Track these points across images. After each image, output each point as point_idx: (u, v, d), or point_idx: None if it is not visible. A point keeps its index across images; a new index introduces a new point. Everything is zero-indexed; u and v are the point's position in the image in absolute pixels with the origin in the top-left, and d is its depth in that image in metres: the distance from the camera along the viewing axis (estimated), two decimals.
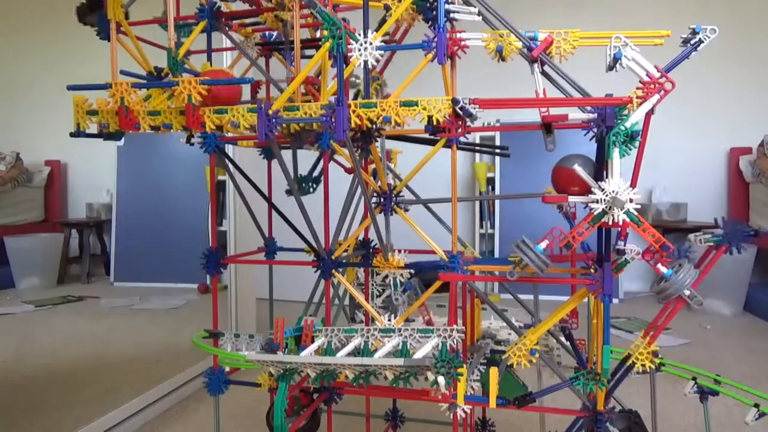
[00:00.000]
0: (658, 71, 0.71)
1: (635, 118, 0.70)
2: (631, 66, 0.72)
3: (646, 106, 0.70)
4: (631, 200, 0.69)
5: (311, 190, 1.08)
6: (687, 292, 0.71)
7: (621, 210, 0.69)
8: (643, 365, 0.81)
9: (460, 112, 0.74)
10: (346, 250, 0.99)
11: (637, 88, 0.72)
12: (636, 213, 0.70)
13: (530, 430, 1.53)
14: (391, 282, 0.97)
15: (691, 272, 0.72)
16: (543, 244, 0.71)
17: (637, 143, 0.70)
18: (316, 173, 1.10)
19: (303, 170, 1.09)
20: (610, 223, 0.70)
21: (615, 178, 0.69)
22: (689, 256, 0.76)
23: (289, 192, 0.97)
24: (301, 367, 0.82)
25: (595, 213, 0.70)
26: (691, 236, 0.79)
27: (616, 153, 0.69)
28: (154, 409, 1.66)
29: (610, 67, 0.74)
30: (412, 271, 0.96)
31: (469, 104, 0.74)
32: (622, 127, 0.69)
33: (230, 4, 0.99)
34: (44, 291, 3.42)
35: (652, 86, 0.71)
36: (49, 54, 4.03)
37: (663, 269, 0.72)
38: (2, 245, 3.41)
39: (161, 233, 3.59)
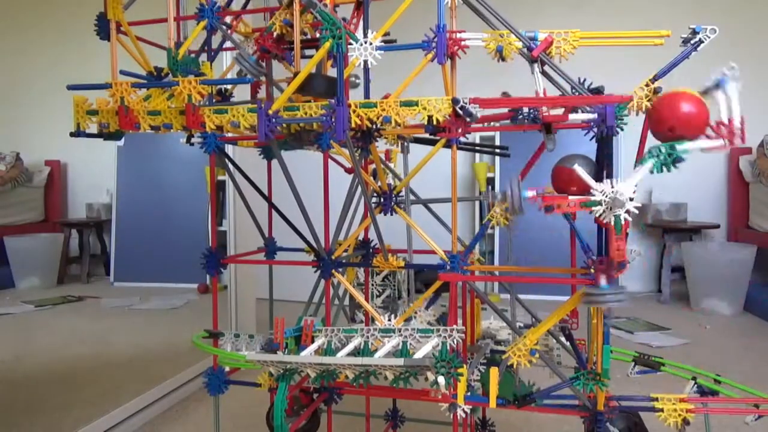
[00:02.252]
0: (741, 124, 0.67)
1: (691, 147, 0.66)
2: (721, 101, 0.68)
3: (705, 144, 0.67)
4: (631, 199, 0.68)
5: None
6: (605, 307, 0.69)
7: (622, 210, 0.69)
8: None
9: (461, 112, 0.74)
10: (346, 250, 0.99)
11: (710, 126, 0.68)
12: (624, 220, 0.67)
13: (530, 430, 1.53)
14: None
15: (620, 302, 0.69)
16: (530, 193, 0.70)
17: (672, 169, 0.67)
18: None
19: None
20: (605, 221, 0.69)
21: (630, 182, 0.67)
22: None
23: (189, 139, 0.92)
24: (301, 367, 0.82)
25: (593, 199, 0.68)
26: None
27: (648, 164, 0.66)
28: (154, 409, 1.66)
29: (706, 90, 0.69)
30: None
31: (469, 104, 0.74)
32: (671, 150, 0.65)
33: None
34: (44, 291, 3.42)
35: (724, 131, 0.67)
36: (49, 54, 4.03)
37: (603, 281, 0.70)
38: (2, 245, 3.41)
39: (161, 233, 3.59)
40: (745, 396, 0.89)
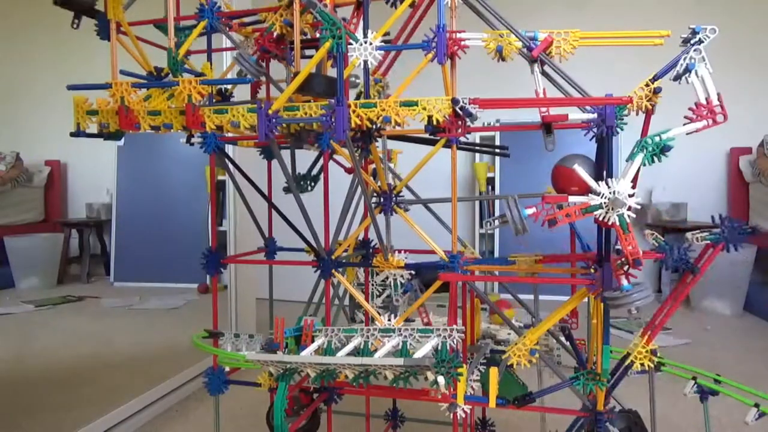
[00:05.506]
0: (719, 101, 0.69)
1: (674, 133, 0.68)
2: (696, 84, 0.70)
3: (689, 128, 0.69)
4: (629, 208, 0.68)
5: (309, 188, 1.08)
6: (634, 310, 0.72)
7: (623, 209, 0.68)
8: (642, 364, 0.81)
9: (460, 112, 0.74)
10: (346, 250, 0.99)
11: (690, 108, 0.70)
12: (628, 219, 0.68)
13: (530, 430, 1.53)
14: (391, 283, 0.97)
15: (646, 297, 0.71)
16: (530, 211, 0.70)
17: (662, 158, 0.68)
18: (314, 171, 1.10)
19: (302, 169, 1.09)
20: (606, 222, 0.70)
21: (625, 180, 0.68)
22: (686, 257, 0.75)
23: (286, 189, 0.97)
24: (301, 367, 0.82)
25: (593, 203, 0.69)
26: (689, 234, 0.78)
27: (638, 158, 0.68)
28: (154, 409, 1.66)
29: (678, 76, 0.71)
30: (413, 272, 0.96)
31: (469, 104, 0.74)
32: (657, 138, 0.67)
33: (230, 3, 0.99)
34: (44, 291, 3.42)
35: (705, 112, 0.69)
36: (49, 54, 4.03)
37: (624, 282, 0.72)
38: (2, 245, 3.41)
39: (161, 233, 3.59)
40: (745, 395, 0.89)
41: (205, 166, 3.24)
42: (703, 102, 0.70)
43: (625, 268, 0.71)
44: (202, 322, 1.05)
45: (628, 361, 0.82)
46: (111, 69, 0.88)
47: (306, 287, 1.08)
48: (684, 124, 0.71)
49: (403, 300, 1.00)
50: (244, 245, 2.08)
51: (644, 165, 0.69)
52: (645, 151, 0.68)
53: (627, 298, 0.71)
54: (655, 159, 0.68)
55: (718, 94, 0.70)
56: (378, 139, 0.92)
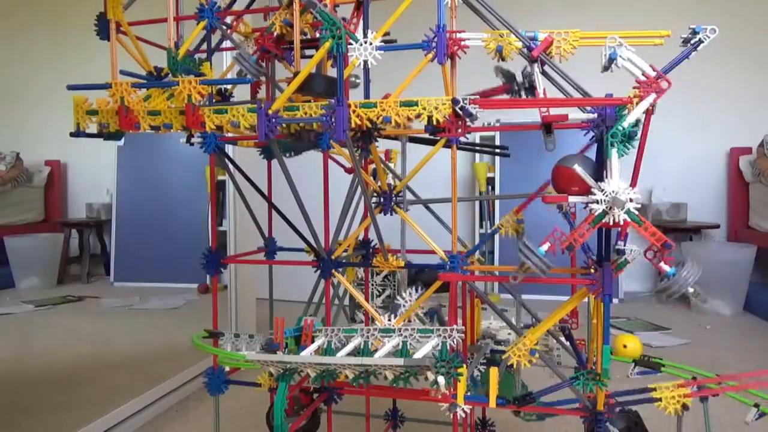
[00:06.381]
0: (654, 70, 0.71)
1: (632, 117, 0.70)
2: (627, 66, 0.72)
3: (643, 106, 0.70)
4: (631, 200, 0.68)
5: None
6: (691, 290, 0.71)
7: (621, 210, 0.69)
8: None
9: (460, 112, 0.74)
10: (346, 250, 0.99)
11: (634, 87, 0.72)
12: (637, 212, 0.69)
13: (530, 430, 1.53)
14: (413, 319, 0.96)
15: (695, 270, 0.71)
16: (545, 247, 0.70)
17: (635, 143, 0.70)
18: None
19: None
20: (611, 223, 0.70)
21: (615, 178, 0.69)
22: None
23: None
24: (301, 367, 0.82)
25: (596, 214, 0.69)
26: None
27: (614, 153, 0.69)
28: (154, 409, 1.66)
29: (606, 68, 0.74)
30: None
31: (469, 104, 0.74)
32: (620, 128, 0.69)
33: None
34: (44, 291, 3.42)
35: (648, 86, 0.71)
36: (49, 54, 4.04)
37: (666, 267, 0.72)
38: (2, 245, 3.41)
39: (161, 233, 3.59)
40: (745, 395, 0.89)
41: (205, 166, 3.24)
42: (642, 78, 0.71)
43: (658, 255, 0.71)
44: (202, 322, 1.05)
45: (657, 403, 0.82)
46: (111, 69, 0.88)
47: (306, 287, 1.08)
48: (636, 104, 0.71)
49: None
50: (244, 245, 2.08)
51: (621, 156, 0.70)
52: (615, 144, 0.69)
53: (677, 281, 0.70)
54: (629, 148, 0.70)
55: (651, 65, 0.71)
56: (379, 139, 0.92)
